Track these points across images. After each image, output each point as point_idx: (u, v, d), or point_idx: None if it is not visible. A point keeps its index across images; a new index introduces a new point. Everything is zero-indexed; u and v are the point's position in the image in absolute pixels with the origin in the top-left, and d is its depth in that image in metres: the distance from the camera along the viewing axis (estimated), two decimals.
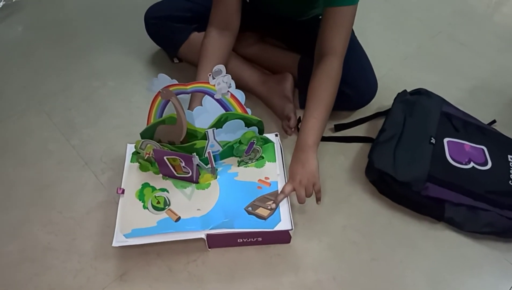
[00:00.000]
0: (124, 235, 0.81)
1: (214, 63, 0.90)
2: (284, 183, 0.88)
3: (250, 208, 0.84)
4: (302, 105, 1.10)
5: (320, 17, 1.11)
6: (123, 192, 0.87)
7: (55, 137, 1.06)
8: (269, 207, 0.84)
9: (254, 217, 0.82)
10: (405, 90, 1.11)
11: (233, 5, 0.95)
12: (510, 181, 0.92)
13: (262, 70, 1.16)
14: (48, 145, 1.04)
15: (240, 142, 0.87)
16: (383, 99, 1.11)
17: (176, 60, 1.21)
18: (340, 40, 0.92)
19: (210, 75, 0.85)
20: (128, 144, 0.96)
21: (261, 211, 0.83)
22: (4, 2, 1.39)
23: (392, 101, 1.09)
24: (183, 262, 0.85)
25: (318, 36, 0.94)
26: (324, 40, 0.92)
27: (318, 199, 0.88)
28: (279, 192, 0.86)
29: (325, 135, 1.06)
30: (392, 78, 1.22)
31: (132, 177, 0.90)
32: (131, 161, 0.92)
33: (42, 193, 0.95)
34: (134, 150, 0.91)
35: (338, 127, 1.08)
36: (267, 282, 0.83)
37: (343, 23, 0.91)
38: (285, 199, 0.85)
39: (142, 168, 0.90)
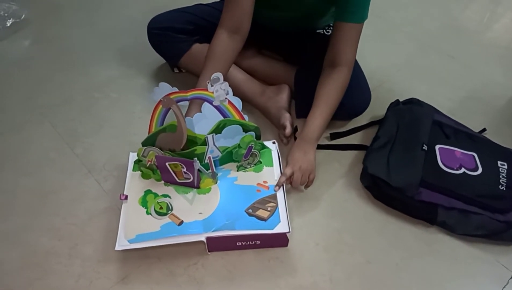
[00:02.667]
0: (128, 240, 0.83)
1: (221, 65, 0.96)
2: (283, 189, 0.91)
3: (250, 210, 0.86)
4: (299, 115, 1.14)
5: (317, 31, 1.17)
6: (126, 198, 0.90)
7: (59, 146, 1.09)
8: (268, 209, 0.86)
9: (254, 218, 0.85)
10: (397, 100, 1.15)
11: (246, 10, 0.98)
12: (500, 186, 0.96)
13: (260, 81, 1.20)
14: (52, 153, 1.07)
15: (239, 146, 0.90)
16: (376, 108, 1.15)
17: (176, 70, 1.25)
18: (352, 52, 1.01)
19: (208, 82, 0.88)
20: (130, 153, 0.99)
21: (261, 212, 0.86)
22: (13, 20, 1.44)
23: (385, 111, 1.13)
24: (183, 266, 0.86)
25: (330, 47, 1.02)
26: (336, 52, 1.01)
27: (307, 186, 0.99)
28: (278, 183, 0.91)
29: (322, 143, 1.09)
30: (385, 89, 1.26)
31: (134, 184, 0.93)
32: (133, 170, 0.95)
33: (45, 200, 0.97)
34: (136, 158, 0.95)
35: (334, 136, 1.12)
36: (265, 284, 0.85)
37: (355, 37, 1.00)
38: (282, 203, 0.88)
39: (144, 176, 0.93)
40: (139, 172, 0.94)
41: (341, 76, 1.01)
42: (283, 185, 0.92)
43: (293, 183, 0.95)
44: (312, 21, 1.14)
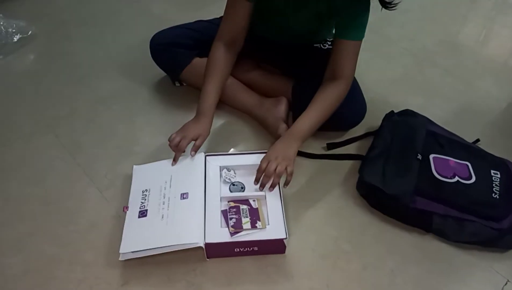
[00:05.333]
0: (131, 251, 0.85)
1: (221, 76, 1.05)
2: (280, 196, 0.93)
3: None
4: None
5: (315, 45, 1.21)
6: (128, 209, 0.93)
7: (62, 156, 1.11)
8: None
9: None
10: (392, 111, 1.18)
11: (242, 24, 1.04)
12: (493, 194, 0.97)
13: (258, 93, 1.23)
14: (55, 163, 1.10)
15: None
16: (372, 120, 1.18)
17: (177, 84, 1.29)
18: (351, 68, 1.05)
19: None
20: (134, 166, 1.02)
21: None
22: (20, 36, 1.49)
23: (380, 122, 1.16)
24: (182, 272, 0.88)
25: (330, 62, 1.05)
26: (336, 67, 1.04)
27: (287, 183, 0.96)
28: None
29: (318, 153, 1.12)
30: (380, 101, 1.29)
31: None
32: None
33: (49, 208, 1.00)
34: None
35: (330, 146, 1.14)
36: None
37: (354, 54, 1.04)
38: (279, 210, 0.90)
39: None
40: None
41: (339, 88, 1.04)
42: (280, 192, 0.94)
43: (267, 172, 0.92)
44: (308, 36, 1.18)
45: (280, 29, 1.15)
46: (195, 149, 1.00)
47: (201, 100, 1.06)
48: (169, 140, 0.99)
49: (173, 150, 0.99)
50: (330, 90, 1.04)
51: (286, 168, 0.94)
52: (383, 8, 0.94)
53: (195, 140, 0.99)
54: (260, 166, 0.94)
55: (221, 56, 1.06)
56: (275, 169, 0.92)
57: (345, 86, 1.05)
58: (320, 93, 1.04)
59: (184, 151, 1.00)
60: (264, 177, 0.93)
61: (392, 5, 0.93)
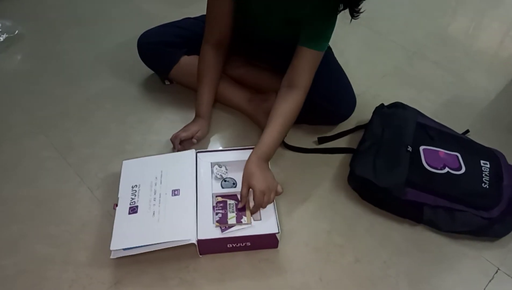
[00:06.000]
0: (123, 248, 0.85)
1: (214, 78, 1.11)
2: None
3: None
4: None
5: None
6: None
7: (53, 156, 1.11)
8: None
9: None
10: (382, 104, 1.18)
11: (226, 24, 1.06)
12: (483, 184, 0.98)
13: (248, 89, 1.24)
14: (46, 163, 1.09)
15: None
16: (362, 113, 1.19)
17: (167, 82, 1.29)
18: (309, 77, 1.02)
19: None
20: (124, 161, 1.01)
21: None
22: (6, 35, 1.47)
23: (371, 116, 1.16)
24: (175, 269, 0.88)
25: (289, 69, 1.03)
26: (295, 75, 1.02)
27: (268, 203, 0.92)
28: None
29: (309, 147, 1.12)
30: (370, 95, 1.30)
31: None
32: None
33: (40, 208, 0.99)
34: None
35: (321, 140, 1.15)
36: (256, 285, 0.86)
37: (314, 64, 1.02)
38: (271, 205, 0.91)
39: None
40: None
41: (296, 99, 1.01)
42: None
43: (257, 204, 0.89)
44: (291, 37, 1.18)
45: (257, 29, 1.15)
46: (197, 138, 1.08)
47: (197, 103, 1.11)
48: (171, 139, 1.08)
49: (172, 140, 1.08)
50: (288, 102, 1.01)
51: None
52: (352, 19, 0.93)
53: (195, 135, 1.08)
54: (242, 194, 0.91)
55: (211, 58, 1.09)
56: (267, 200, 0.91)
57: (301, 96, 1.02)
58: (279, 105, 1.01)
59: (180, 143, 1.07)
60: (254, 207, 0.90)
61: (357, 14, 0.93)
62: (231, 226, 0.88)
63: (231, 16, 1.04)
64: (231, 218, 0.89)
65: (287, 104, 1.01)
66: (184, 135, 1.06)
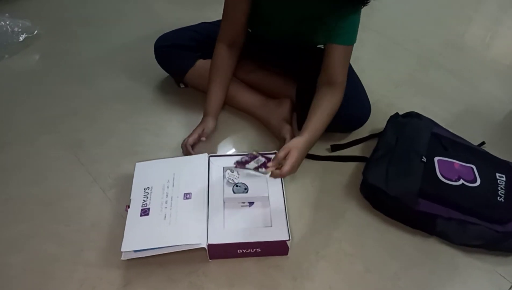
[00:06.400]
0: (134, 250, 0.85)
1: (225, 77, 1.11)
2: (283, 197, 0.93)
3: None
4: (300, 127, 1.16)
5: (318, 46, 1.21)
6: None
7: (65, 156, 1.12)
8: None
9: None
10: (397, 113, 1.17)
11: (240, 24, 1.08)
12: (498, 197, 0.97)
13: (261, 94, 1.23)
14: (58, 163, 1.10)
15: None
16: (376, 122, 1.18)
17: (182, 86, 1.29)
18: (344, 73, 1.04)
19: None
20: (136, 163, 1.02)
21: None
22: (25, 35, 1.50)
23: (385, 124, 1.15)
24: (184, 273, 0.88)
25: (323, 69, 1.05)
26: (330, 74, 1.04)
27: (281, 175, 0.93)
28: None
29: (322, 154, 1.12)
30: (384, 103, 1.29)
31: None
32: None
33: (51, 207, 1.00)
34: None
35: (334, 148, 1.14)
36: None
37: (346, 59, 1.04)
38: (282, 211, 0.91)
39: None
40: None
41: (337, 95, 1.04)
42: (283, 194, 0.94)
43: (281, 171, 0.90)
44: (307, 37, 1.18)
45: (270, 30, 1.15)
46: (204, 135, 1.07)
47: (206, 102, 1.11)
48: (182, 148, 1.08)
49: (182, 148, 1.08)
50: (329, 97, 1.03)
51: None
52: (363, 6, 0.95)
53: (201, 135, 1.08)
54: (280, 155, 0.92)
55: (224, 57, 1.09)
56: (285, 174, 0.91)
57: (341, 92, 1.04)
58: (321, 100, 1.03)
59: (192, 148, 1.06)
60: (275, 173, 0.91)
61: (367, 0, 0.93)
62: (247, 168, 0.91)
63: (247, 15, 1.06)
64: (251, 165, 0.92)
65: (330, 99, 1.03)
66: (191, 140, 1.06)
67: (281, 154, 0.92)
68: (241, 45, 1.11)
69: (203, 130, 1.08)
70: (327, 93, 1.03)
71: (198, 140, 1.07)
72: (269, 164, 0.92)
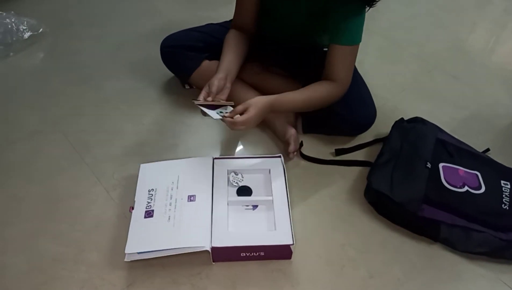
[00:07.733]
0: (137, 252, 0.85)
1: (238, 48, 1.11)
2: (288, 201, 0.93)
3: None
4: (305, 130, 1.17)
5: (324, 49, 1.21)
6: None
7: (69, 155, 1.11)
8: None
9: None
10: (402, 118, 1.17)
11: (250, 14, 1.14)
12: (503, 205, 0.96)
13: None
14: (62, 162, 1.10)
15: None
16: (381, 126, 1.18)
17: (187, 86, 1.29)
18: (346, 72, 1.05)
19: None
20: (141, 165, 1.01)
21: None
22: (30, 33, 1.49)
23: (389, 129, 1.15)
24: (187, 275, 0.88)
25: (326, 67, 1.05)
26: (331, 72, 1.05)
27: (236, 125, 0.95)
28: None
29: (327, 158, 1.12)
30: (389, 108, 1.29)
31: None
32: None
33: (54, 207, 0.99)
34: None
35: (338, 152, 1.14)
36: None
37: (348, 58, 1.05)
38: (286, 215, 0.90)
39: None
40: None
41: (332, 87, 1.05)
42: (287, 198, 0.94)
43: (234, 121, 0.93)
44: (313, 36, 1.18)
45: (279, 27, 1.16)
46: (211, 93, 1.01)
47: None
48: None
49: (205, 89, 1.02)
50: (325, 85, 1.05)
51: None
52: (369, 8, 0.96)
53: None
54: (238, 109, 0.95)
55: (236, 35, 1.13)
56: (237, 124, 0.94)
57: (340, 88, 1.05)
58: (313, 84, 1.05)
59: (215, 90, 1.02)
60: (231, 122, 0.93)
61: (374, 2, 0.94)
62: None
63: (257, 5, 1.09)
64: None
65: (321, 86, 1.04)
66: (213, 89, 1.01)
67: (239, 108, 0.95)
68: (251, 34, 1.14)
69: (208, 86, 1.02)
70: (325, 82, 1.05)
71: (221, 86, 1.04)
72: (226, 114, 0.95)
